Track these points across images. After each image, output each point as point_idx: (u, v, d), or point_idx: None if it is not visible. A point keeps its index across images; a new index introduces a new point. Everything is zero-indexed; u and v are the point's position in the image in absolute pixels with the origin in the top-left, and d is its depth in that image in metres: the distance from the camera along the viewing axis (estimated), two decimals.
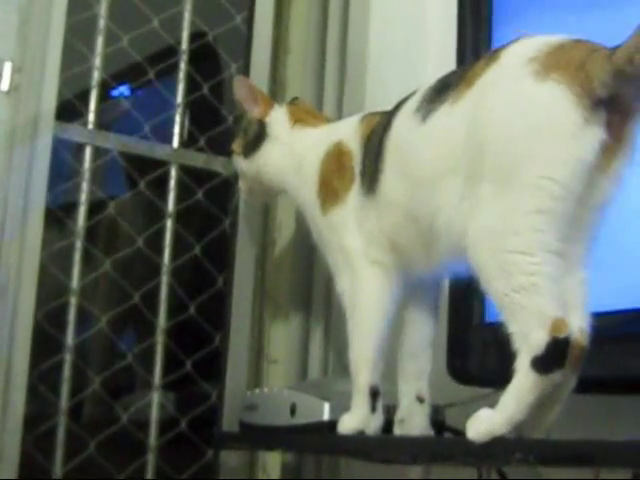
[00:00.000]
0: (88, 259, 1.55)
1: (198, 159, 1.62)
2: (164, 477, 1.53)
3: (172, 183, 1.59)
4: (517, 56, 0.92)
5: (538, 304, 0.87)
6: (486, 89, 0.93)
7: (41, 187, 1.42)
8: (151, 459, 1.50)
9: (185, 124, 1.64)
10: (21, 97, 1.43)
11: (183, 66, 1.62)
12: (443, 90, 0.99)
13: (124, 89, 1.80)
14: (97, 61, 1.51)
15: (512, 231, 0.87)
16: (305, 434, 1.26)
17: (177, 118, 1.61)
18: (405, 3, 1.69)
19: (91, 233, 1.55)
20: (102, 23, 1.53)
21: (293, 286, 1.68)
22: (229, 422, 1.48)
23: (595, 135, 0.84)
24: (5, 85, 1.42)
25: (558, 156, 0.86)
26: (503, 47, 0.96)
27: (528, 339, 0.86)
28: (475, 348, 1.17)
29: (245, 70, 1.64)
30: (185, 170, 1.61)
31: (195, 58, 1.65)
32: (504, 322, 0.89)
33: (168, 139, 1.61)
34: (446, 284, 1.17)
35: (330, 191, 1.16)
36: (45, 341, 1.48)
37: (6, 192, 1.40)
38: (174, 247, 1.60)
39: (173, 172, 1.58)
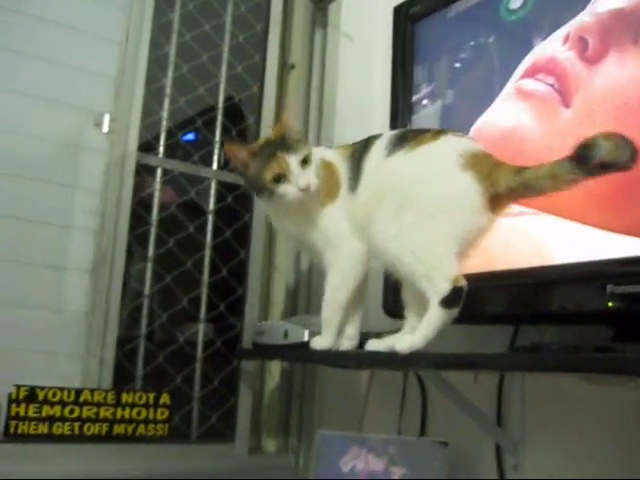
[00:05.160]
0: (159, 241, 1.83)
1: (229, 176, 1.95)
2: (205, 377, 1.85)
3: (212, 192, 1.94)
4: (452, 147, 1.15)
5: (444, 270, 1.10)
6: (428, 155, 1.16)
7: (128, 193, 1.73)
8: (198, 366, 1.86)
9: (221, 155, 1.95)
10: (115, 137, 1.75)
11: (219, 118, 1.98)
12: (401, 142, 1.20)
13: (189, 135, 2.03)
14: (165, 114, 1.89)
15: (429, 243, 1.12)
16: (293, 349, 1.53)
17: (216, 151, 1.96)
18: (360, 74, 2.07)
19: (159, 222, 1.85)
20: (168, 91, 1.90)
21: (289, 257, 1.99)
22: (247, 342, 1.80)
23: (486, 214, 1.12)
24: (106, 129, 1.75)
25: (463, 217, 1.12)
26: (443, 132, 1.18)
27: (438, 289, 1.09)
28: (398, 299, 1.32)
29: (258, 120, 1.99)
30: (220, 184, 1.97)
31: (227, 113, 1.98)
32: (418, 286, 1.12)
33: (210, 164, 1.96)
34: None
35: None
36: (130, 291, 1.82)
37: (106, 196, 1.72)
38: (213, 232, 1.92)
39: (213, 185, 1.95)
